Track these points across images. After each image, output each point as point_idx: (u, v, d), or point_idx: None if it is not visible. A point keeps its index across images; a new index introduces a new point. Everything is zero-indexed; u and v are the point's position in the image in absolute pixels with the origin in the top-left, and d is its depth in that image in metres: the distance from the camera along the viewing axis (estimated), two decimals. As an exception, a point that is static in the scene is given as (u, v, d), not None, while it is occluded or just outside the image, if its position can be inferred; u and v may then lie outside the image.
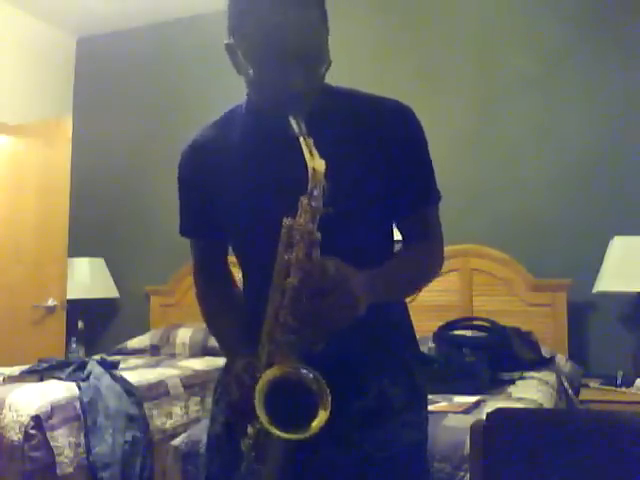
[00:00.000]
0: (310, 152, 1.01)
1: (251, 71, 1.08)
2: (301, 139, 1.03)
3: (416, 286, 1.23)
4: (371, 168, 1.15)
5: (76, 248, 4.23)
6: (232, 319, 1.26)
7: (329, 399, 0.98)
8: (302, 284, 1.00)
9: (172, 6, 4.40)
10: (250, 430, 1.07)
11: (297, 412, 0.99)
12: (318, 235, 1.01)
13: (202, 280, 1.36)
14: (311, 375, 1.00)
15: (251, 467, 1.08)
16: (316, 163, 1.01)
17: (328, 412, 0.98)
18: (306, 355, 1.02)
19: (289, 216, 1.03)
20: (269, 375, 1.01)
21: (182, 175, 1.30)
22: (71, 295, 4.08)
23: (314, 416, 0.98)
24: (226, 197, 1.22)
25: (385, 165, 1.16)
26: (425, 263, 1.22)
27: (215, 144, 1.24)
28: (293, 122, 1.04)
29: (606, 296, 3.24)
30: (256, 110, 1.20)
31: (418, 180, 1.21)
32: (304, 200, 1.02)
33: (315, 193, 1.01)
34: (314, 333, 1.00)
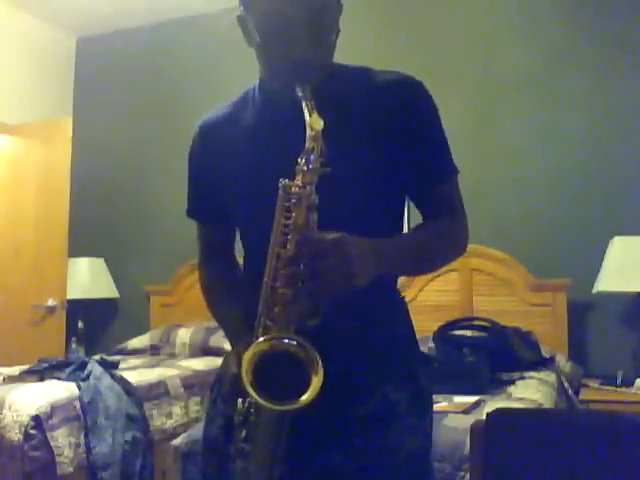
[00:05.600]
0: (309, 112, 1.00)
1: (260, 42, 1.07)
2: (303, 103, 1.01)
3: (433, 262, 1.19)
4: (381, 141, 1.13)
5: (76, 248, 4.23)
6: (238, 307, 1.23)
7: (319, 365, 0.94)
8: (298, 250, 0.97)
9: (172, 6, 4.40)
10: (240, 405, 1.03)
11: (290, 384, 0.95)
12: (316, 197, 0.99)
13: (207, 267, 1.34)
14: (295, 342, 0.96)
15: (241, 447, 1.05)
16: (313, 121, 0.99)
17: (320, 378, 0.93)
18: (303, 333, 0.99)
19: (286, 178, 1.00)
20: (257, 345, 0.97)
21: (192, 155, 1.29)
22: (71, 295, 4.08)
23: (307, 386, 0.94)
24: (234, 176, 1.20)
25: (396, 138, 1.13)
26: (444, 238, 1.18)
27: (225, 122, 1.24)
28: (299, 89, 1.03)
29: (606, 296, 3.24)
30: (267, 87, 1.19)
31: (430, 154, 1.17)
32: (301, 161, 1.00)
33: (312, 153, 0.99)
34: (310, 301, 0.97)
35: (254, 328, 1.06)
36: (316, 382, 0.94)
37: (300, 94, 1.03)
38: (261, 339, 0.99)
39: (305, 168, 0.99)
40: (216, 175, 1.23)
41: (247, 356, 0.96)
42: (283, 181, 1.00)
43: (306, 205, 0.98)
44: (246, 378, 0.95)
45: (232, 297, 1.27)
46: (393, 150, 1.13)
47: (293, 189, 0.99)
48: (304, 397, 0.93)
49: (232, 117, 1.23)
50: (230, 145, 1.21)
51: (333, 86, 1.13)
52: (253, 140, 1.19)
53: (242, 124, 1.21)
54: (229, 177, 1.21)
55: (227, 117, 1.24)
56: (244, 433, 1.04)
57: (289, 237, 0.99)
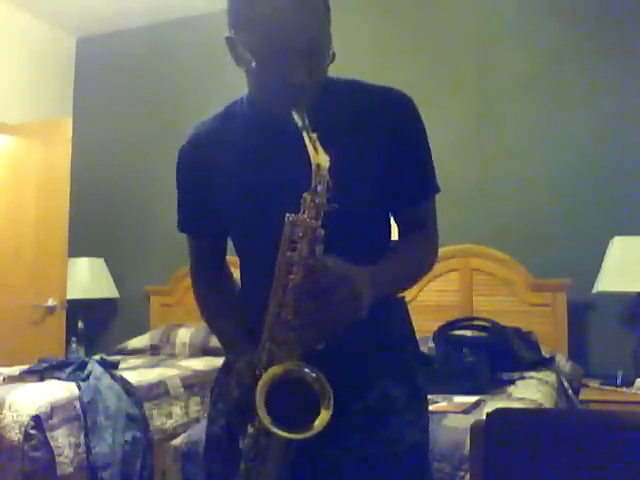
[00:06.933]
0: (314, 148, 1.00)
1: (253, 64, 1.06)
2: (304, 134, 1.01)
3: (413, 279, 1.22)
4: (371, 158, 1.15)
5: (76, 248, 4.23)
6: (232, 318, 1.24)
7: (331, 399, 0.97)
8: (304, 281, 0.99)
9: (172, 6, 4.40)
10: (250, 429, 1.05)
11: (299, 412, 0.97)
12: (322, 231, 1.00)
13: (200, 278, 1.34)
14: (313, 374, 0.98)
15: (250, 466, 1.06)
16: (320, 159, 0.99)
17: (330, 412, 0.96)
18: (307, 355, 1.01)
19: (292, 212, 1.01)
20: (271, 373, 0.99)
21: (180, 170, 1.29)
22: (71, 295, 4.08)
23: (316, 416, 0.96)
24: (225, 192, 1.20)
25: (384, 155, 1.15)
26: (421, 256, 1.22)
27: (214, 138, 1.23)
28: (296, 116, 1.03)
29: (606, 296, 3.24)
30: (257, 104, 1.19)
31: (416, 172, 1.20)
32: (307, 197, 1.00)
33: (319, 189, 1.00)
34: (316, 331, 0.99)
35: (251, 340, 1.08)
36: (325, 413, 0.96)
37: (300, 124, 1.02)
38: (276, 367, 1.00)
39: (312, 204, 1.00)
40: (207, 192, 1.23)
41: (261, 385, 0.98)
42: (290, 216, 1.01)
43: (312, 239, 0.99)
44: (262, 412, 0.96)
45: (226, 309, 1.27)
46: (381, 166, 1.15)
47: (300, 224, 1.00)
48: (316, 424, 0.96)
49: (223, 132, 1.23)
50: (222, 160, 1.21)
51: (324, 102, 1.12)
52: (246, 156, 1.18)
53: (233, 141, 1.21)
54: (222, 192, 1.21)
55: (217, 132, 1.23)
56: (252, 455, 1.06)
57: (295, 268, 1.00)
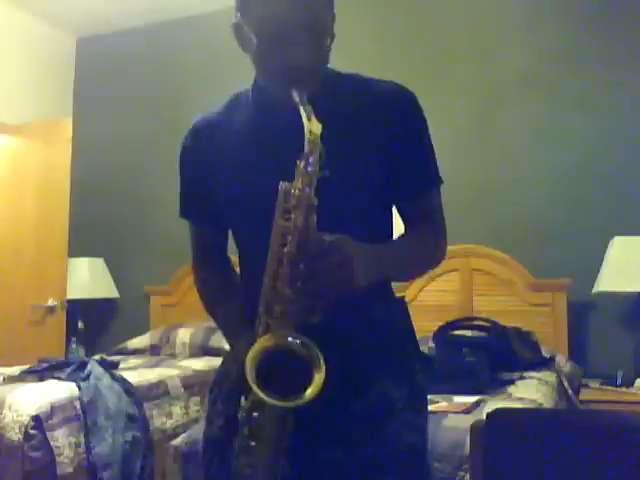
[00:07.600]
0: (308, 117, 1.01)
1: (257, 47, 1.08)
2: (300, 107, 1.03)
3: (416, 269, 1.23)
4: (372, 150, 1.15)
5: (76, 248, 4.23)
6: (233, 305, 1.25)
7: (322, 363, 0.97)
8: (299, 250, 0.99)
9: (172, 6, 4.40)
10: (244, 402, 1.05)
11: (293, 382, 0.97)
12: (315, 200, 1.00)
13: (201, 267, 1.35)
14: (298, 341, 0.99)
15: (245, 446, 1.05)
16: (312, 126, 1.01)
17: (323, 374, 0.96)
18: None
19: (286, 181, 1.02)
20: (259, 344, 0.99)
21: (184, 157, 1.31)
22: (71, 295, 4.08)
23: (309, 382, 0.96)
24: (226, 178, 1.21)
25: (386, 148, 1.16)
26: (426, 247, 1.21)
27: (217, 125, 1.25)
28: (295, 94, 1.04)
29: (606, 296, 3.24)
30: (260, 92, 1.20)
31: (418, 164, 1.21)
32: (300, 164, 1.01)
33: (311, 157, 1.01)
34: (311, 299, 0.99)
35: (252, 326, 1.07)
36: (318, 378, 0.96)
37: (297, 99, 1.04)
38: (264, 337, 1.00)
39: (304, 171, 1.01)
40: (210, 177, 1.24)
41: (251, 354, 0.98)
42: (283, 184, 1.02)
43: (305, 207, 1.00)
44: (251, 376, 0.96)
45: (227, 297, 1.28)
46: (382, 159, 1.16)
47: (293, 191, 1.01)
48: (308, 392, 0.95)
49: (227, 121, 1.24)
50: (225, 148, 1.22)
51: (327, 95, 1.13)
52: (249, 144, 1.19)
53: (237, 128, 1.22)
54: (224, 180, 1.22)
55: (221, 121, 1.25)
56: (247, 430, 1.05)
57: (289, 238, 1.00)
